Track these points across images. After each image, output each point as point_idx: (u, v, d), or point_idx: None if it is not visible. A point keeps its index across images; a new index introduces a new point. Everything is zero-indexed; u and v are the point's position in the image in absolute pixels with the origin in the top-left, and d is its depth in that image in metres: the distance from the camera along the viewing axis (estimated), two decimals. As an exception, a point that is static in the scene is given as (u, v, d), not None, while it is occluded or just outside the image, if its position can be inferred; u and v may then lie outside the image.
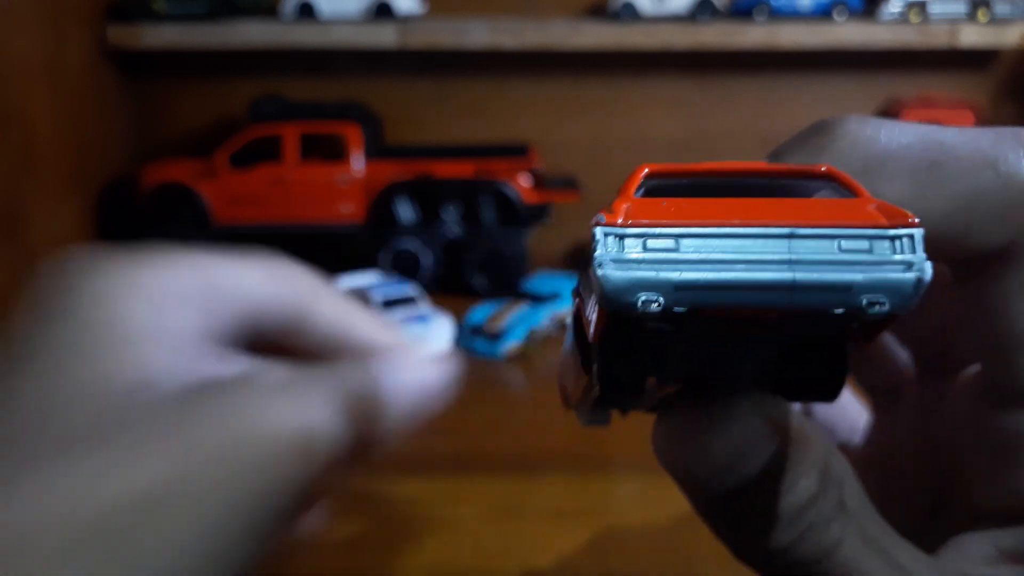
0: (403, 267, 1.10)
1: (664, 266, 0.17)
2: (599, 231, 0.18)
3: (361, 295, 0.98)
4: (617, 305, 0.17)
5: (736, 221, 0.18)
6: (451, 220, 1.13)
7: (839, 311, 0.17)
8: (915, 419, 0.25)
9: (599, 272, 0.17)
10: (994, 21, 1.14)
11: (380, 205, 1.12)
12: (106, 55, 1.15)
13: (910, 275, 0.17)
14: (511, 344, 0.93)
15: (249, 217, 1.12)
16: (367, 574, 0.62)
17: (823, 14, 1.15)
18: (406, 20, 1.13)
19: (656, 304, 0.17)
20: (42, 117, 1.02)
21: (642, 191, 0.20)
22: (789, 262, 0.17)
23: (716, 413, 0.20)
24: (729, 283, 0.17)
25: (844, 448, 0.28)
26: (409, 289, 0.99)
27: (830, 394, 0.20)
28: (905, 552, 0.20)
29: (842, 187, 0.19)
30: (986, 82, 1.25)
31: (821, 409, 0.29)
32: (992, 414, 0.21)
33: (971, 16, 1.14)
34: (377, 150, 1.16)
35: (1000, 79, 1.25)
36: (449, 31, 1.13)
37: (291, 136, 1.11)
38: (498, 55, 1.18)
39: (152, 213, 1.12)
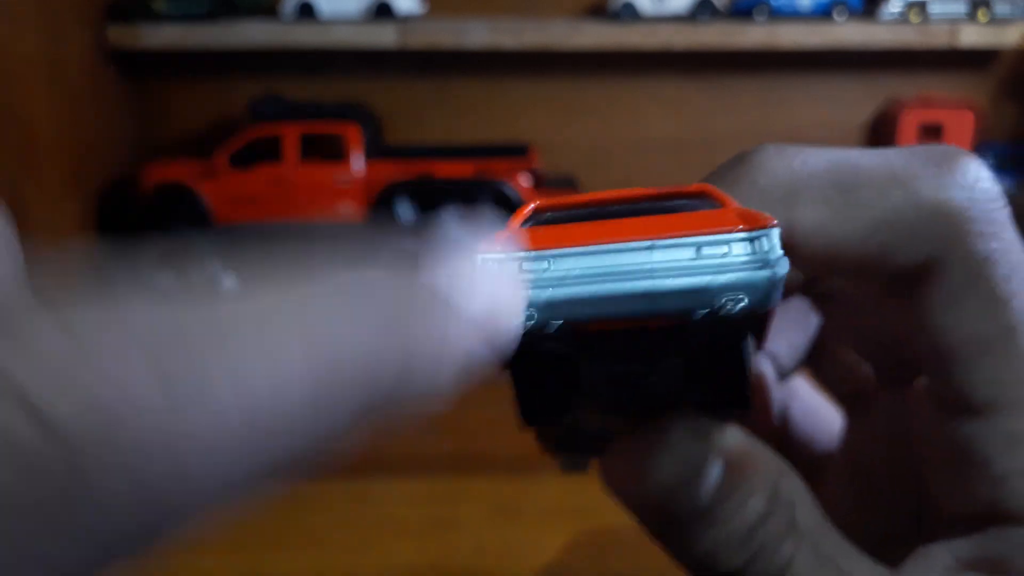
0: (403, 267, 1.10)
1: (536, 286, 0.19)
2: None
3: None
4: None
5: (604, 239, 0.19)
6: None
7: (702, 313, 0.18)
8: (886, 426, 0.26)
9: None
10: (994, 21, 1.14)
11: (380, 205, 1.12)
12: (106, 55, 1.15)
13: (764, 272, 0.18)
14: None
15: (249, 217, 1.12)
16: (367, 574, 0.62)
17: (823, 14, 1.15)
18: (406, 20, 1.13)
19: (531, 320, 0.19)
20: (42, 117, 1.02)
21: (531, 223, 0.21)
22: (650, 271, 0.18)
23: (653, 441, 0.20)
24: (594, 296, 0.18)
25: (825, 457, 0.28)
26: (409, 289, 0.99)
27: (739, 401, 0.20)
28: (863, 568, 0.20)
29: (714, 201, 0.20)
30: (986, 82, 1.25)
31: (799, 422, 0.29)
32: (944, 423, 0.21)
33: (971, 16, 1.14)
34: (377, 150, 1.16)
35: (1000, 79, 1.25)
36: (449, 31, 1.13)
37: (291, 136, 1.11)
38: (498, 55, 1.18)
39: (152, 213, 1.12)
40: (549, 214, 0.22)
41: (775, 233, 0.18)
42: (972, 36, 1.14)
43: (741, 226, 0.18)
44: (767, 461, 0.21)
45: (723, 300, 0.18)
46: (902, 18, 1.14)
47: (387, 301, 0.15)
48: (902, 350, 0.25)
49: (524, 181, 1.11)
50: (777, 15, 1.14)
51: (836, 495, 0.25)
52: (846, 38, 1.14)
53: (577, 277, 0.19)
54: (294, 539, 0.63)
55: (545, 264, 0.19)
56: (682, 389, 0.21)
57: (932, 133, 1.20)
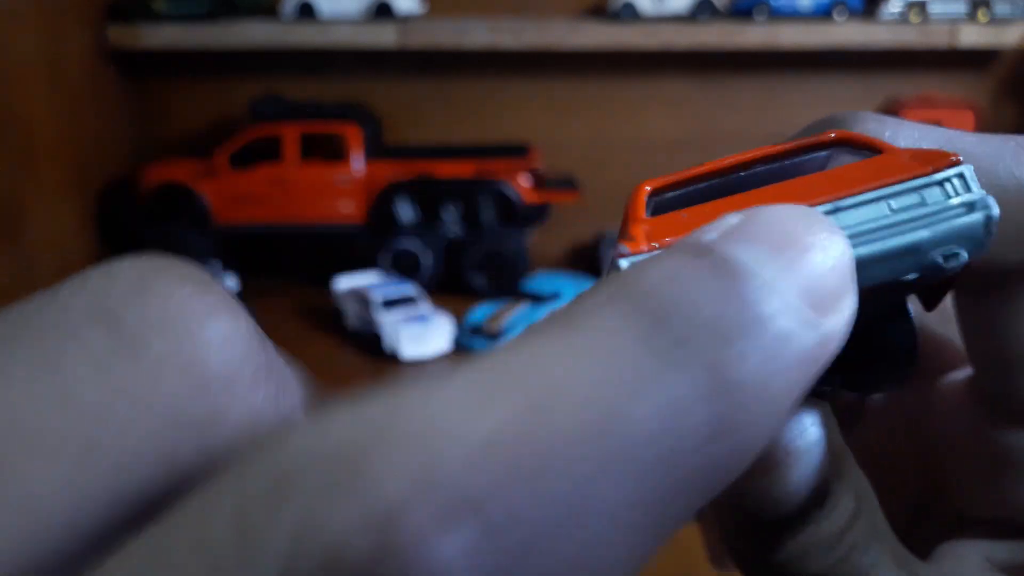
0: (403, 267, 1.10)
1: None
2: (623, 263, 0.16)
3: (361, 295, 0.98)
4: None
5: None
6: (451, 220, 1.13)
7: (912, 276, 0.16)
8: (898, 421, 0.25)
9: None
10: (994, 21, 1.14)
11: (380, 205, 1.12)
12: (106, 55, 1.15)
13: (977, 215, 0.16)
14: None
15: (249, 217, 1.12)
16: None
17: (823, 14, 1.15)
18: (406, 20, 1.13)
19: None
20: (42, 117, 1.02)
21: (650, 210, 0.18)
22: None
23: (790, 444, 0.18)
24: None
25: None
26: (409, 289, 0.99)
27: (902, 376, 0.18)
28: (925, 571, 0.20)
29: (861, 148, 0.18)
30: (986, 82, 1.25)
31: None
32: (989, 427, 0.20)
33: (971, 16, 1.14)
34: (377, 150, 1.16)
35: (1000, 79, 1.25)
36: (449, 31, 1.13)
37: (291, 136, 1.11)
38: (498, 55, 1.17)
39: (152, 213, 1.12)
40: (669, 195, 0.19)
41: (969, 170, 0.16)
42: (972, 36, 1.14)
43: (929, 168, 0.16)
44: (852, 460, 0.20)
45: (938, 256, 0.16)
46: (902, 18, 1.14)
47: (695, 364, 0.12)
48: (931, 341, 0.24)
49: (524, 181, 1.11)
50: (777, 15, 1.14)
51: None
52: (846, 38, 1.14)
53: None
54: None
55: None
56: (835, 365, 0.19)
57: (932, 133, 1.20)
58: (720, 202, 0.17)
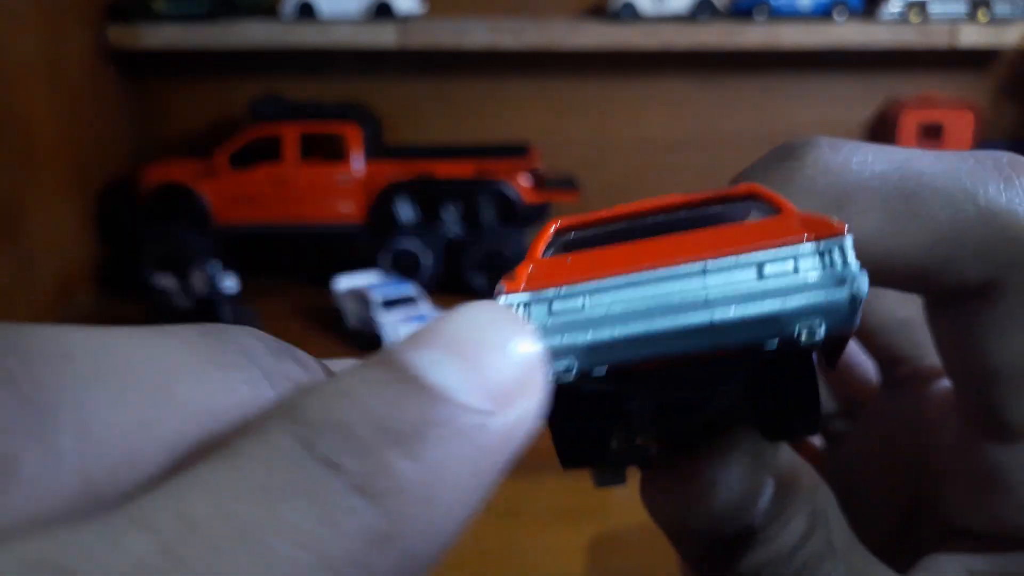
0: (403, 267, 1.10)
1: (572, 329, 0.16)
2: (500, 302, 0.16)
3: (361, 295, 0.98)
4: None
5: (645, 266, 0.16)
6: (451, 220, 1.13)
7: (773, 344, 0.16)
8: (882, 431, 0.25)
9: None
10: (994, 21, 1.14)
11: (380, 205, 1.12)
12: (106, 55, 1.15)
13: (843, 292, 0.15)
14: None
15: (249, 217, 1.12)
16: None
17: (823, 14, 1.15)
18: (406, 20, 1.13)
19: (570, 372, 0.16)
20: (42, 117, 1.02)
21: (553, 249, 0.18)
22: (705, 301, 0.16)
23: (714, 466, 0.19)
24: (643, 336, 0.16)
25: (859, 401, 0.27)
26: (409, 289, 0.99)
27: (808, 427, 0.18)
28: None
29: (766, 204, 0.18)
30: (986, 82, 1.25)
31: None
32: (975, 441, 0.20)
33: (971, 16, 1.14)
34: (377, 150, 1.16)
35: (1000, 79, 1.25)
36: (449, 31, 1.13)
37: (291, 136, 1.11)
38: (498, 55, 1.18)
39: (152, 213, 1.12)
40: (574, 235, 0.19)
41: (849, 242, 0.16)
42: (972, 36, 1.14)
43: (807, 236, 0.16)
44: (807, 477, 0.20)
45: (797, 328, 0.15)
46: (902, 18, 1.14)
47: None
48: (915, 350, 0.24)
49: (524, 181, 1.11)
50: (777, 15, 1.14)
51: None
52: (846, 38, 1.14)
53: (620, 315, 0.16)
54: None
55: (580, 302, 0.16)
56: (741, 413, 0.19)
57: (932, 133, 1.20)
58: (606, 250, 0.17)
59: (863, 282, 0.15)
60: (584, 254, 0.17)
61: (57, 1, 1.04)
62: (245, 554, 0.11)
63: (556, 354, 0.16)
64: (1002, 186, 0.19)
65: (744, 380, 0.18)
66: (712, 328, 0.16)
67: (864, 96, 1.26)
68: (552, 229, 0.19)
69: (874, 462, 0.25)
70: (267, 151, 1.11)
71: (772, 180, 0.19)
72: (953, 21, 1.14)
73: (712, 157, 1.26)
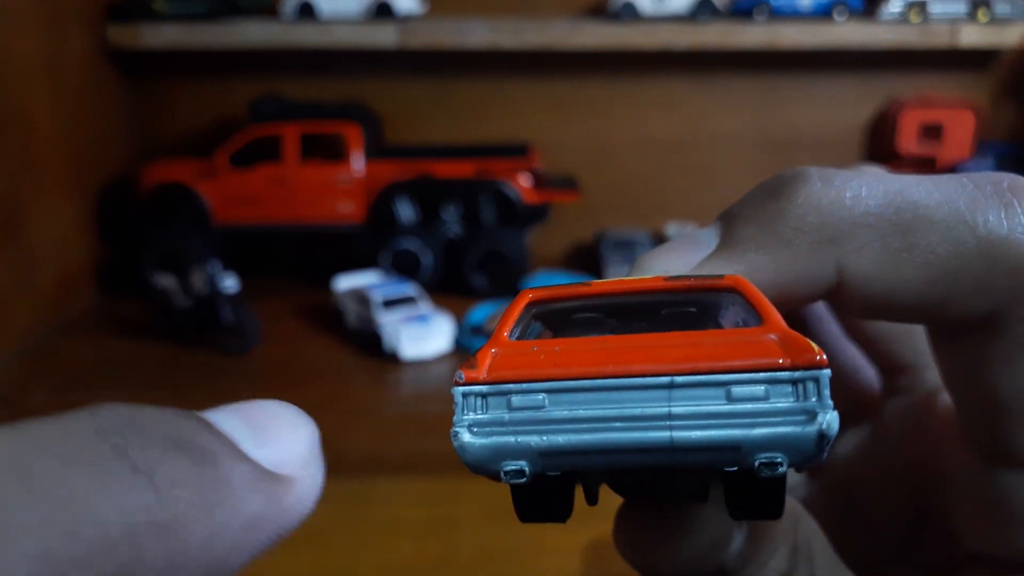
0: (403, 267, 1.10)
1: (528, 428, 0.16)
2: (458, 391, 0.16)
3: (361, 295, 0.98)
4: (482, 473, 0.16)
5: (610, 369, 0.16)
6: (451, 220, 1.13)
7: (731, 470, 0.15)
8: (886, 444, 0.24)
9: (455, 441, 0.16)
10: (994, 21, 1.14)
11: (380, 205, 1.12)
12: (106, 55, 1.15)
13: (811, 429, 0.15)
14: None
15: (249, 217, 1.12)
16: (367, 574, 0.62)
17: (823, 14, 1.15)
18: (406, 20, 1.13)
19: (521, 474, 0.16)
20: (42, 117, 1.02)
21: (525, 323, 0.18)
22: (668, 418, 0.15)
23: (682, 517, 0.19)
24: (599, 446, 0.15)
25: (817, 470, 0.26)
26: (409, 289, 0.99)
27: (772, 513, 0.17)
28: None
29: (747, 302, 0.17)
30: (986, 82, 1.25)
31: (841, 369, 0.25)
32: (982, 466, 0.20)
33: (971, 16, 1.14)
34: (377, 150, 1.16)
35: (1000, 79, 1.25)
36: (449, 31, 1.13)
37: (291, 136, 1.11)
38: (498, 55, 1.18)
39: (152, 213, 1.12)
40: (548, 308, 0.18)
41: (825, 376, 0.15)
42: (972, 36, 1.14)
43: (783, 361, 0.15)
44: (786, 511, 0.20)
45: (756, 460, 0.15)
46: (902, 18, 1.14)
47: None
48: (919, 358, 0.24)
49: (524, 181, 1.11)
50: (777, 15, 1.14)
51: (818, 509, 0.24)
52: (846, 38, 1.14)
53: (580, 419, 0.15)
54: (294, 539, 0.63)
55: (540, 399, 0.16)
56: (705, 491, 0.19)
57: (932, 133, 1.20)
58: (574, 342, 0.16)
59: (834, 421, 0.15)
60: (551, 343, 0.16)
61: (57, 1, 1.04)
62: (26, 501, 0.11)
63: (510, 454, 0.16)
64: (1003, 213, 0.18)
65: (703, 478, 0.17)
66: (671, 447, 0.15)
67: (864, 96, 1.26)
68: (524, 302, 0.18)
69: (879, 470, 0.24)
70: (267, 151, 1.11)
71: (764, 217, 0.19)
72: (953, 21, 1.14)
73: (712, 157, 1.26)
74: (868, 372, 0.25)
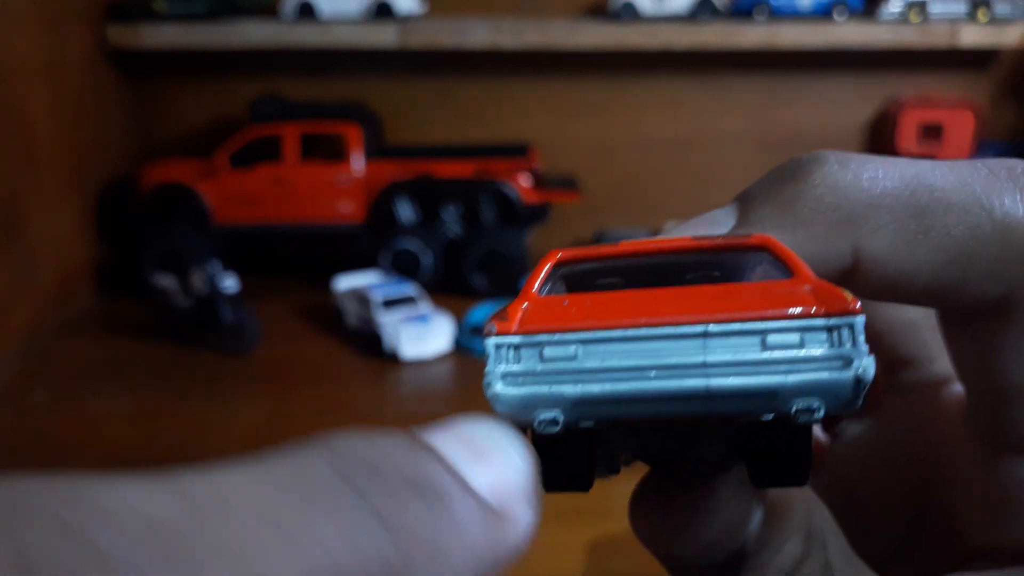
0: (403, 267, 1.10)
1: (562, 378, 0.15)
2: (490, 342, 0.16)
3: (361, 295, 0.98)
4: (515, 422, 0.16)
5: (643, 320, 0.15)
6: (451, 220, 1.13)
7: (768, 417, 0.15)
8: (890, 437, 0.24)
9: (488, 391, 0.16)
10: (994, 21, 1.14)
11: (380, 205, 1.12)
12: (106, 55, 1.15)
13: (848, 374, 0.15)
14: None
15: (249, 217, 1.12)
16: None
17: (823, 14, 1.15)
18: (406, 20, 1.13)
19: (555, 423, 0.15)
20: (42, 117, 1.02)
21: (551, 283, 0.18)
22: (703, 366, 0.15)
23: (700, 498, 0.19)
24: (635, 395, 0.15)
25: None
26: (409, 289, 0.99)
27: (798, 477, 0.17)
28: None
29: (777, 259, 0.17)
30: (986, 82, 1.25)
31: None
32: (989, 456, 0.20)
33: (971, 16, 1.14)
34: (377, 150, 1.16)
35: (1000, 79, 1.25)
36: (449, 31, 1.13)
37: (291, 136, 1.11)
38: (498, 55, 1.17)
39: (152, 213, 1.12)
40: (575, 268, 0.18)
41: (860, 322, 0.15)
42: (972, 36, 1.14)
43: (816, 309, 0.15)
44: (800, 499, 0.20)
45: (794, 405, 0.15)
46: (902, 18, 1.14)
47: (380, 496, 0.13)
48: (926, 352, 0.24)
49: (524, 181, 1.11)
50: (777, 15, 1.14)
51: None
52: (846, 38, 1.14)
53: (613, 369, 0.15)
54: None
55: (573, 350, 0.16)
56: (729, 457, 0.18)
57: (932, 133, 1.20)
58: (606, 295, 0.16)
59: (870, 366, 0.15)
60: (582, 297, 0.16)
61: (57, 1, 1.04)
62: (270, 541, 0.11)
63: (543, 403, 0.16)
64: (1018, 197, 0.18)
65: (735, 433, 0.17)
66: (707, 395, 0.15)
67: (864, 96, 1.26)
68: (551, 262, 0.18)
69: (881, 468, 0.24)
70: (267, 151, 1.11)
71: (781, 199, 0.19)
72: (953, 21, 1.14)
73: (712, 157, 1.26)
74: None
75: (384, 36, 1.12)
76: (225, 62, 1.20)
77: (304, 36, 1.13)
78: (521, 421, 0.16)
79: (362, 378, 0.90)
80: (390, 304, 0.95)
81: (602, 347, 0.16)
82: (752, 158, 1.26)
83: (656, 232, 1.20)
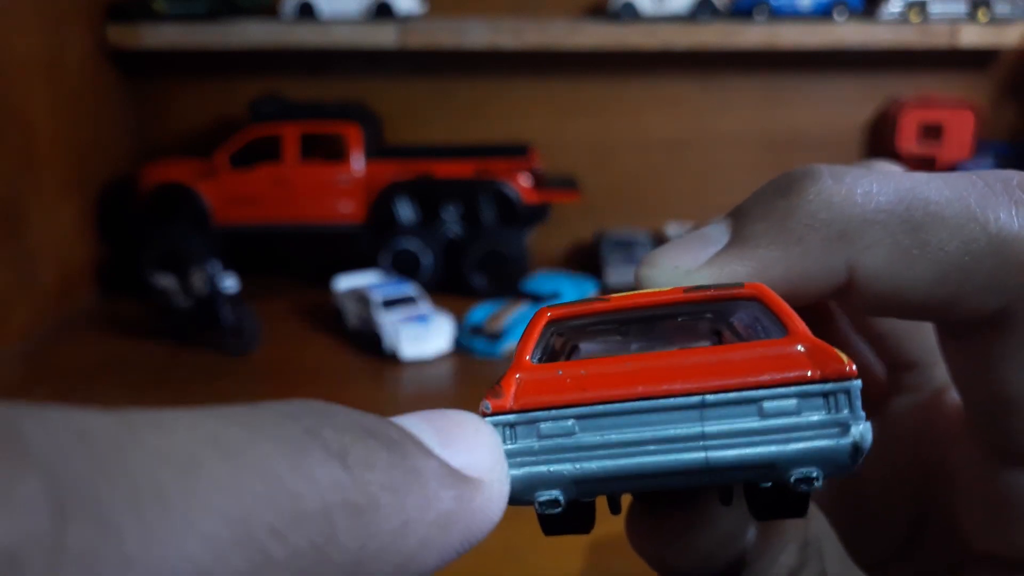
0: (403, 267, 1.10)
1: (560, 457, 0.15)
2: (485, 423, 0.16)
3: (361, 295, 0.98)
4: (515, 504, 0.15)
5: (641, 390, 0.15)
6: (451, 220, 1.13)
7: (766, 485, 0.15)
8: (892, 441, 0.24)
9: None
10: (994, 21, 1.14)
11: (380, 205, 1.12)
12: (106, 55, 1.15)
13: (845, 441, 0.15)
14: (511, 344, 0.93)
15: (249, 217, 1.12)
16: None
17: (823, 14, 1.15)
18: (406, 20, 1.13)
19: (556, 504, 0.15)
20: (42, 117, 1.02)
21: (543, 345, 0.18)
22: (702, 438, 0.15)
23: (695, 513, 0.19)
24: (634, 471, 0.15)
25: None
26: (409, 289, 0.99)
27: (797, 512, 0.17)
28: None
29: (769, 309, 0.17)
30: (986, 82, 1.25)
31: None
32: (990, 465, 0.20)
33: (971, 16, 1.14)
34: (377, 150, 1.16)
35: (1000, 79, 1.25)
36: (449, 31, 1.13)
37: (291, 136, 1.11)
38: (498, 55, 1.18)
39: (152, 213, 1.12)
40: (567, 325, 0.18)
41: (856, 387, 0.15)
42: (972, 36, 1.14)
43: (812, 374, 0.15)
44: None
45: (792, 475, 0.15)
46: (902, 18, 1.14)
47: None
48: (928, 354, 0.24)
49: (524, 181, 1.11)
50: (777, 15, 1.14)
51: (821, 507, 0.24)
52: (846, 38, 1.14)
53: (612, 444, 0.15)
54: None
55: (570, 425, 0.15)
56: (728, 497, 0.19)
57: (932, 133, 1.20)
58: (599, 362, 0.16)
59: (867, 432, 0.15)
60: (576, 366, 0.16)
61: (57, 1, 1.04)
62: (221, 466, 0.11)
63: (543, 484, 0.15)
64: (1013, 211, 0.18)
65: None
66: (707, 467, 0.15)
67: (864, 96, 1.26)
68: (544, 319, 0.18)
69: (884, 468, 0.24)
70: (267, 151, 1.11)
71: (774, 215, 0.19)
72: (953, 21, 1.14)
73: (712, 157, 1.26)
74: (875, 369, 0.25)
75: (384, 36, 1.12)
76: (225, 62, 1.20)
77: (304, 36, 1.13)
78: (522, 501, 0.16)
79: (362, 378, 0.90)
80: (390, 304, 0.95)
81: (599, 421, 0.15)
82: (752, 158, 1.26)
83: (657, 234, 1.20)
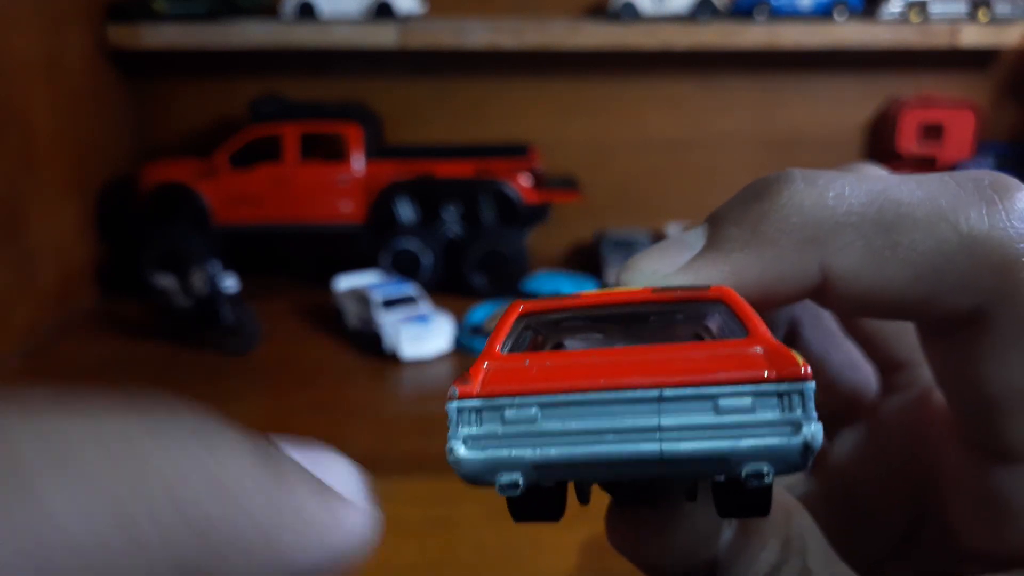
0: (403, 267, 1.10)
1: (522, 442, 0.16)
2: (452, 407, 0.16)
3: (361, 295, 0.98)
4: (476, 484, 0.16)
5: (602, 382, 0.16)
6: (451, 220, 1.13)
7: (720, 479, 0.16)
8: (885, 441, 0.24)
9: (450, 456, 0.16)
10: (994, 21, 1.14)
11: (380, 205, 1.12)
12: (106, 55, 1.15)
13: (796, 440, 0.15)
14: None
15: (249, 217, 1.12)
16: (367, 574, 0.62)
17: (823, 14, 1.15)
18: (406, 20, 1.13)
19: (516, 487, 0.16)
20: (42, 117, 1.02)
21: (514, 338, 0.18)
22: (658, 430, 0.16)
23: (672, 512, 0.19)
24: (591, 458, 0.16)
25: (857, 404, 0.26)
26: (409, 289, 0.99)
27: (760, 511, 0.18)
28: None
29: (732, 312, 0.17)
30: (986, 82, 1.25)
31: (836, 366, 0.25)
32: (977, 463, 0.20)
33: (971, 16, 1.14)
34: (377, 150, 1.16)
35: (1000, 79, 1.25)
36: (449, 31, 1.13)
37: (291, 136, 1.11)
38: (498, 55, 1.18)
39: (152, 213, 1.12)
40: (538, 320, 0.19)
41: (810, 389, 0.15)
42: (972, 36, 1.14)
43: (768, 374, 0.16)
44: (778, 506, 0.20)
45: (743, 470, 0.15)
46: (902, 18, 1.14)
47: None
48: (915, 353, 0.24)
49: (524, 181, 1.11)
50: (777, 15, 1.14)
51: (816, 507, 0.23)
52: (846, 38, 1.14)
53: (573, 433, 0.16)
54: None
55: (533, 413, 0.16)
56: (693, 493, 0.19)
57: (932, 133, 1.20)
58: (565, 356, 0.17)
59: (818, 432, 0.15)
60: (543, 357, 0.17)
61: (57, 1, 1.04)
62: (102, 461, 0.11)
63: (504, 466, 0.16)
64: (984, 211, 0.18)
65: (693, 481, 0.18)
66: (661, 458, 0.16)
67: (864, 96, 1.26)
68: (516, 313, 0.18)
69: (878, 468, 0.24)
70: (267, 151, 1.11)
71: (747, 219, 0.19)
72: (953, 21, 1.14)
73: (712, 157, 1.26)
74: (866, 369, 0.25)
75: (384, 36, 1.12)
76: (225, 62, 1.21)
77: (304, 36, 1.13)
78: (483, 482, 0.16)
79: (362, 378, 0.90)
80: (390, 304, 0.95)
81: (561, 409, 0.16)
82: (752, 158, 1.26)
83: (658, 234, 1.20)
